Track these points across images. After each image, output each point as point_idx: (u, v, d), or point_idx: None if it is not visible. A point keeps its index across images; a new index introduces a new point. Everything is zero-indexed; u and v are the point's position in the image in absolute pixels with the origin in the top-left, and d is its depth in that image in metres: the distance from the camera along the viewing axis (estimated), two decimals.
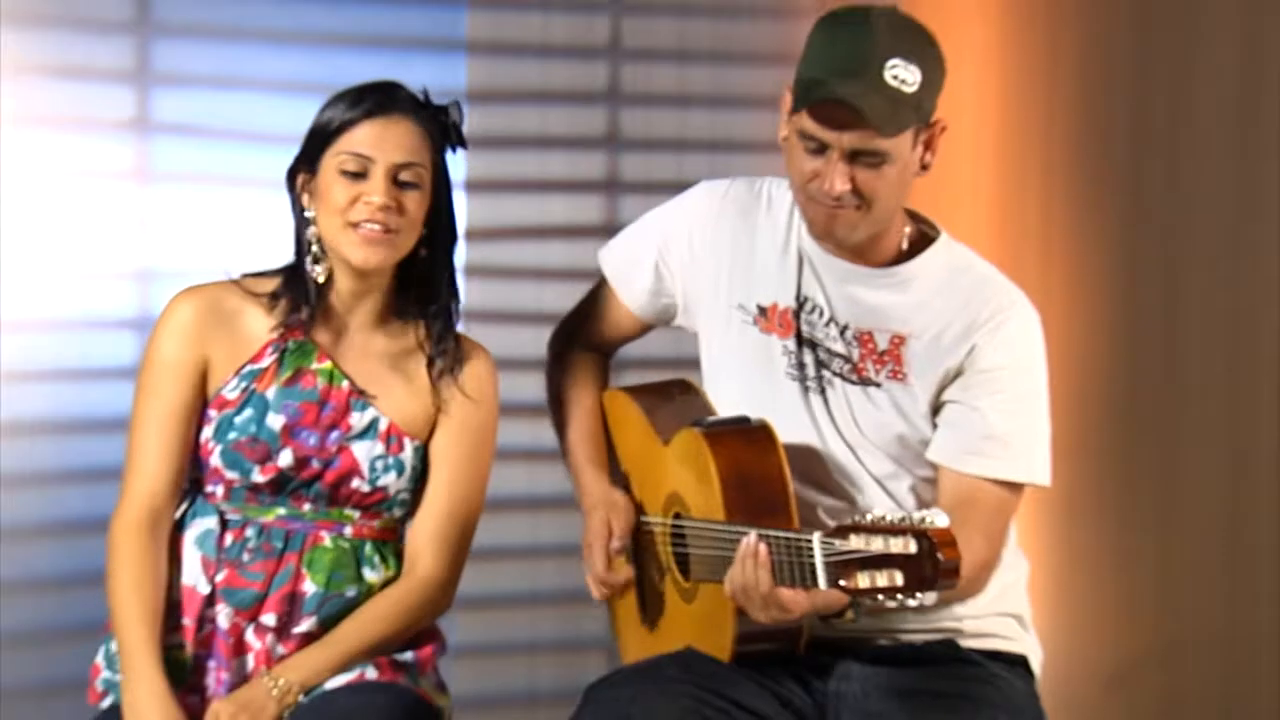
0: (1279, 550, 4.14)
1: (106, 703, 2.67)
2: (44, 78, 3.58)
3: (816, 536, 2.35)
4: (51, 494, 3.60)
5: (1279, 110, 4.11)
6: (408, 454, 2.70)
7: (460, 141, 2.72)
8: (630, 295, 2.90)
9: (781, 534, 2.43)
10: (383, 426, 2.68)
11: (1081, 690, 4.08)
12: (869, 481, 2.71)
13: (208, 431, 2.65)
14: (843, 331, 2.71)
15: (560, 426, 2.95)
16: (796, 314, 2.73)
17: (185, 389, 2.65)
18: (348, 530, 2.69)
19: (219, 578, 2.64)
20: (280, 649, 2.65)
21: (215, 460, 2.65)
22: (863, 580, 2.29)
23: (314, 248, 2.67)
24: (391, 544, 2.73)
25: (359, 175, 2.63)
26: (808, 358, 2.73)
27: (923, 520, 2.27)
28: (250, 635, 2.64)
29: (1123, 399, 4.16)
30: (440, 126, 2.69)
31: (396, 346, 2.73)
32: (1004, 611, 2.77)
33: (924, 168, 2.65)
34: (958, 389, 2.67)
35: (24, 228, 3.57)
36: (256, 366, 2.67)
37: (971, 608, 2.72)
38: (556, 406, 2.96)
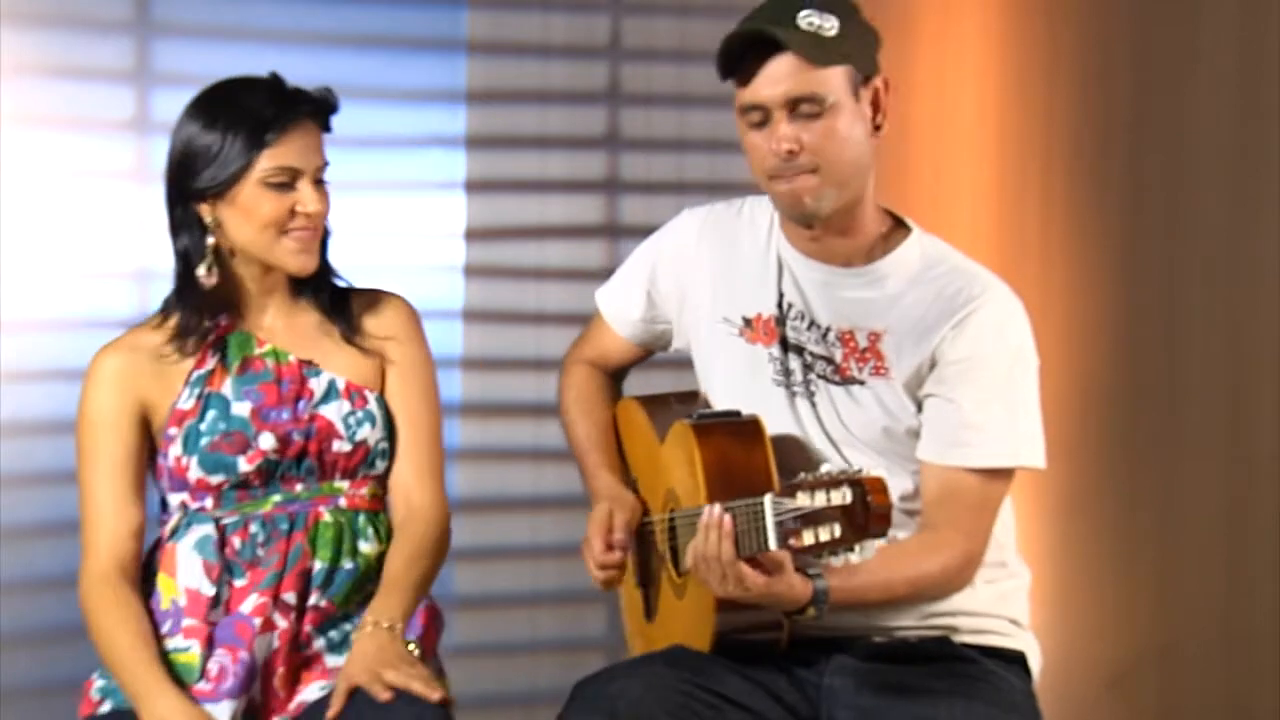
0: (1279, 551, 4.14)
1: (105, 709, 2.68)
2: (44, 78, 3.58)
3: (768, 497, 2.38)
4: (51, 494, 3.59)
5: (1279, 110, 4.11)
6: (373, 405, 2.76)
7: (328, 124, 2.75)
8: (624, 325, 2.95)
9: (739, 501, 2.45)
10: (341, 385, 2.75)
11: (1081, 690, 4.08)
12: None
13: (176, 449, 2.69)
14: (825, 334, 2.73)
15: (574, 440, 2.98)
16: (780, 321, 2.75)
17: (128, 436, 2.70)
18: (342, 502, 2.74)
19: (240, 582, 2.68)
20: (297, 626, 2.68)
21: (195, 472, 2.69)
22: (808, 537, 2.33)
23: (209, 257, 2.70)
24: (379, 515, 2.77)
25: (286, 186, 2.68)
26: (794, 363, 2.75)
27: (859, 471, 2.32)
28: (276, 615, 2.67)
29: (1123, 399, 4.16)
30: (324, 110, 2.73)
31: (316, 317, 2.78)
32: (1002, 614, 2.77)
33: (877, 129, 2.68)
34: (933, 382, 2.68)
35: (24, 228, 3.57)
36: (203, 371, 2.72)
37: (969, 607, 2.72)
38: (569, 422, 2.99)
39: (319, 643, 2.71)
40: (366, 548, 2.74)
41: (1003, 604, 2.76)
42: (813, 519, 2.33)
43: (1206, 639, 4.15)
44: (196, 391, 2.70)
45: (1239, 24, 4.12)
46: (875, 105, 2.66)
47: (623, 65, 4.01)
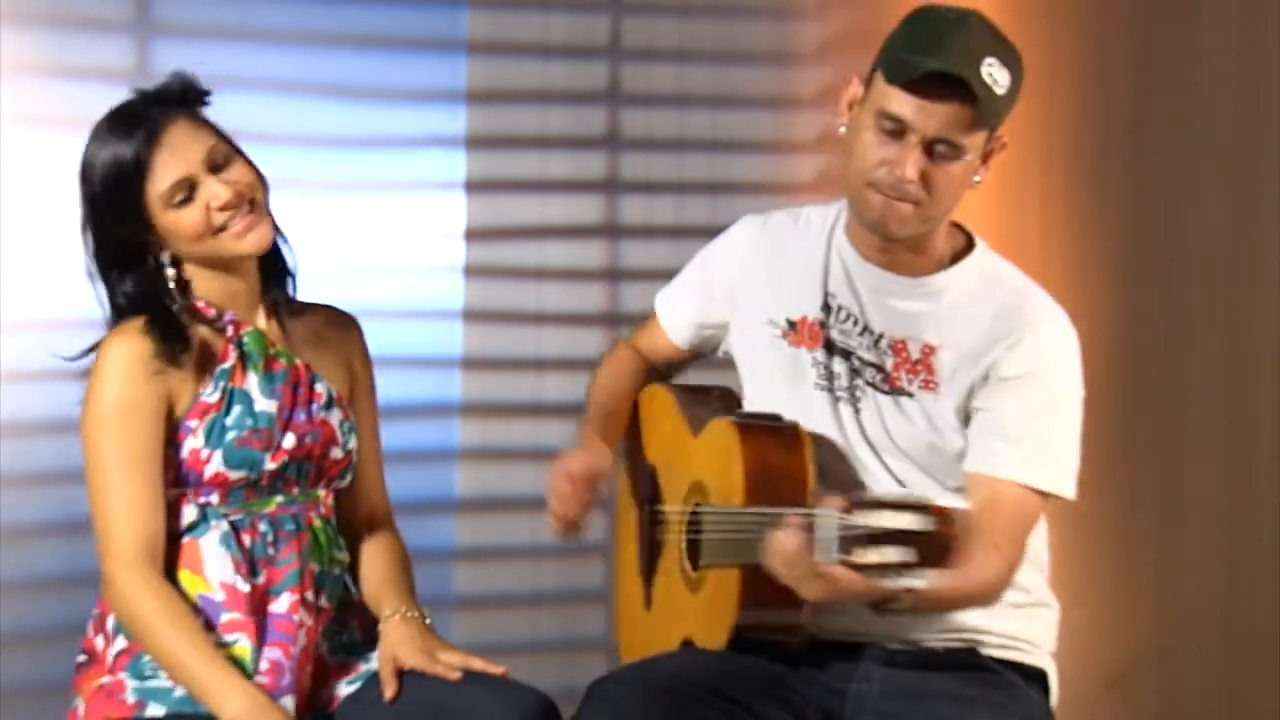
0: (1279, 551, 4.14)
1: (155, 713, 2.62)
2: (44, 78, 3.58)
3: (829, 509, 2.34)
4: (51, 494, 3.60)
5: (1279, 110, 4.11)
6: (353, 417, 2.79)
7: (200, 95, 2.71)
8: (677, 331, 2.94)
9: (801, 510, 2.41)
10: (335, 394, 2.76)
11: (1081, 690, 4.08)
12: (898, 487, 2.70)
13: (196, 442, 2.65)
14: (876, 341, 2.72)
15: (588, 410, 2.98)
16: (824, 324, 2.74)
17: (154, 424, 2.63)
18: (321, 510, 2.76)
19: (260, 578, 2.67)
20: (316, 626, 2.70)
21: (216, 465, 2.65)
22: (872, 556, 2.28)
23: (172, 286, 2.68)
24: (334, 525, 2.80)
25: (190, 197, 2.64)
26: (839, 367, 2.73)
27: (930, 500, 2.29)
28: (304, 614, 2.68)
29: (1123, 399, 4.16)
30: (193, 96, 2.70)
31: (299, 322, 2.78)
32: (1028, 639, 2.77)
33: (975, 180, 2.65)
34: (982, 397, 2.67)
35: (24, 228, 3.57)
36: (225, 366, 2.68)
37: (996, 628, 2.73)
38: (590, 393, 3.01)
39: (324, 646, 2.73)
40: (340, 555, 2.77)
41: (1030, 628, 2.76)
42: (879, 540, 2.28)
43: (1206, 639, 4.15)
44: (221, 385, 2.67)
45: (1239, 24, 4.12)
46: (985, 159, 2.64)
47: (623, 65, 4.01)
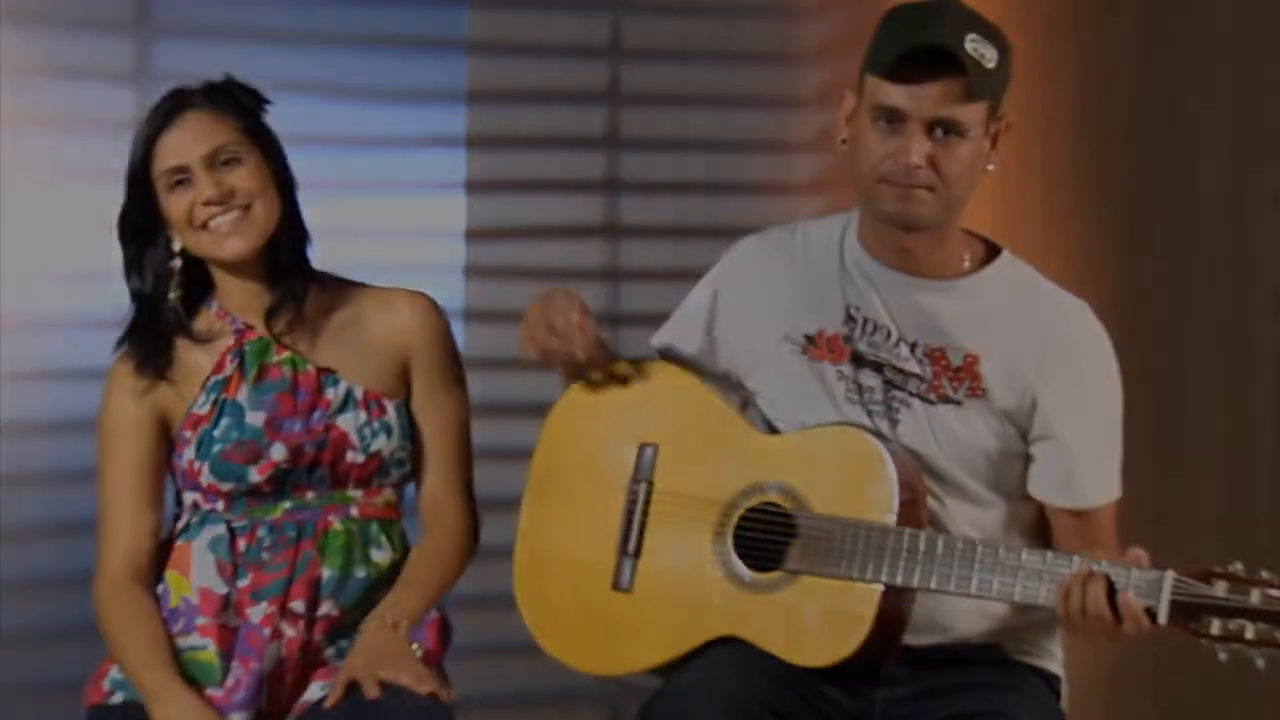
0: (1279, 552, 4.14)
1: (116, 700, 2.69)
2: (44, 78, 3.58)
3: (1169, 574, 2.52)
4: (51, 494, 3.60)
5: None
6: (391, 415, 2.75)
7: (258, 99, 2.74)
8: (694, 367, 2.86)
9: (1121, 567, 2.52)
10: (359, 395, 2.73)
11: (1081, 690, 4.07)
12: (947, 498, 2.70)
13: (189, 453, 2.69)
14: (913, 349, 2.69)
15: None
16: (847, 337, 2.72)
17: (147, 443, 2.71)
18: (353, 511, 2.73)
19: (243, 582, 2.68)
20: (308, 635, 2.69)
21: (206, 477, 2.68)
22: (1215, 627, 2.53)
23: (175, 277, 2.71)
24: (394, 524, 2.78)
25: (184, 183, 2.66)
26: (870, 380, 2.71)
27: None
28: (284, 624, 2.67)
29: (1124, 393, 4.15)
30: (231, 96, 2.71)
31: (335, 318, 2.76)
32: (1047, 645, 2.78)
33: (988, 167, 2.65)
34: (1040, 425, 2.68)
35: (24, 228, 3.57)
36: (220, 376, 2.71)
37: (1018, 626, 2.73)
38: None
39: (329, 651, 2.72)
40: (379, 556, 2.74)
41: (1047, 633, 2.77)
42: (1235, 613, 2.53)
43: None
44: (213, 397, 2.70)
45: (1240, 20, 4.12)
46: (993, 142, 2.64)
47: (623, 65, 4.01)
